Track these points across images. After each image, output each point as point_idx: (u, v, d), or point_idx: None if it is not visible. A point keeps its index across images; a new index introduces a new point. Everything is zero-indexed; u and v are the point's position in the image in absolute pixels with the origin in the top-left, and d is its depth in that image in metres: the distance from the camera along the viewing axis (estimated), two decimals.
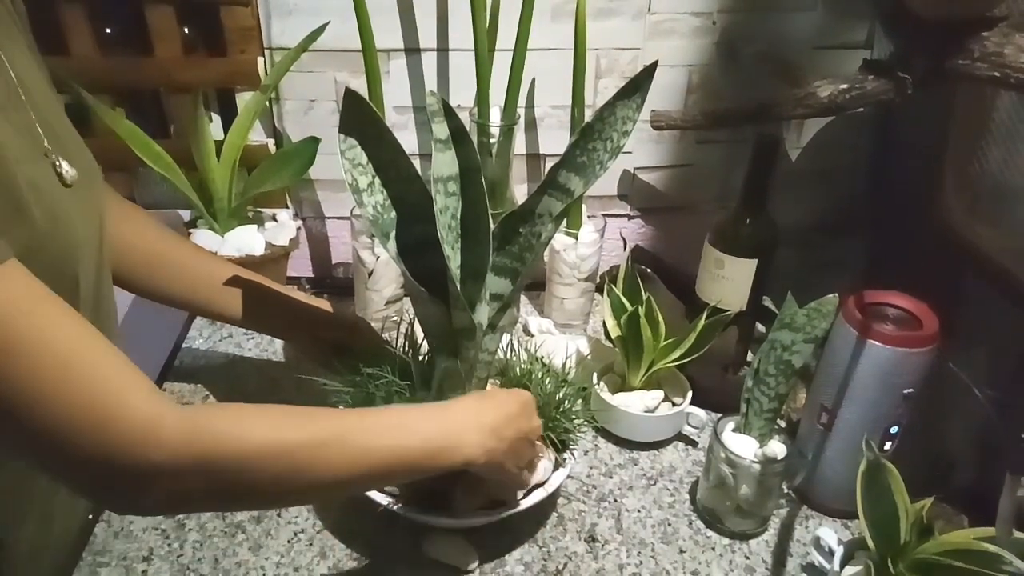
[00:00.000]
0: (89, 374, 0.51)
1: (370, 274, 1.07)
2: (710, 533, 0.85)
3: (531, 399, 0.75)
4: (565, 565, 0.80)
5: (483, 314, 0.76)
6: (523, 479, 0.77)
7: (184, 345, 1.09)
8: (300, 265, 1.24)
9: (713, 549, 0.83)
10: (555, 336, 1.11)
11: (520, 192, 1.20)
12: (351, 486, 0.70)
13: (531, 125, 1.16)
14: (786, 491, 0.89)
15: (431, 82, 1.11)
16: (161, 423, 0.53)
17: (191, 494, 0.56)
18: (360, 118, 0.72)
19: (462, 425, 0.68)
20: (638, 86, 0.73)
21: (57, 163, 0.63)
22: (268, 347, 1.09)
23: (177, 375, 1.03)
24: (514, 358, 0.85)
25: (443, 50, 1.09)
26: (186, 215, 1.16)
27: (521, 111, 1.10)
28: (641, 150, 1.19)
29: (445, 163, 0.73)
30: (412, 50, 1.09)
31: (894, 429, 0.81)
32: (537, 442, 0.77)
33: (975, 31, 0.80)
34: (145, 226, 0.87)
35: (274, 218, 1.16)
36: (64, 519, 0.78)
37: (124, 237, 0.82)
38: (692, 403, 0.95)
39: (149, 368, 1.04)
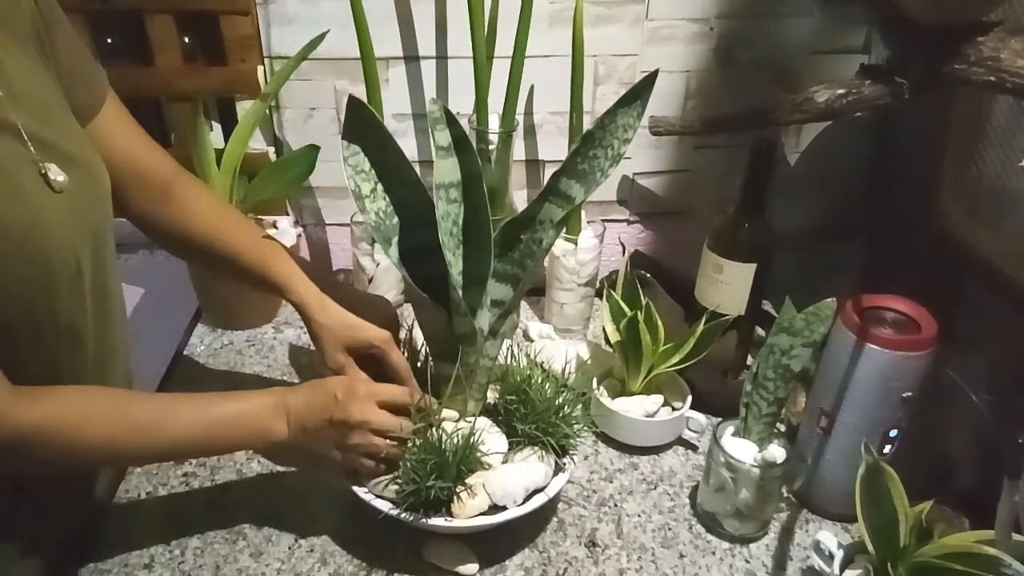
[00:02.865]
0: None
1: (370, 280, 1.07)
2: (710, 537, 0.85)
3: (352, 388, 0.75)
4: (565, 570, 0.80)
5: (484, 320, 0.77)
6: (357, 466, 0.76)
7: (185, 352, 1.09)
8: None
9: (713, 553, 0.83)
10: (555, 341, 1.11)
11: (519, 198, 1.21)
12: (172, 460, 0.89)
13: (530, 132, 1.17)
14: (786, 495, 0.89)
15: (430, 89, 1.12)
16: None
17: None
18: (363, 125, 0.73)
19: (267, 415, 0.74)
20: (638, 94, 0.73)
21: (44, 169, 0.64)
22: (268, 354, 1.10)
23: (179, 380, 1.04)
24: (514, 363, 0.85)
25: (442, 57, 1.10)
26: None
27: (520, 118, 1.11)
28: (640, 155, 1.20)
29: (447, 170, 0.73)
30: (411, 58, 1.10)
31: (893, 433, 0.81)
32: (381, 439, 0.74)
33: (971, 36, 0.80)
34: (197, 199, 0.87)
35: (275, 225, 1.16)
36: (63, 525, 0.79)
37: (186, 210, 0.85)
38: (692, 407, 0.95)
39: (151, 375, 1.05)
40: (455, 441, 0.75)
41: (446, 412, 0.80)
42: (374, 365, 0.83)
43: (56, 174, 0.65)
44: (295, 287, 0.85)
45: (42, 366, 0.67)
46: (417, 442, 0.75)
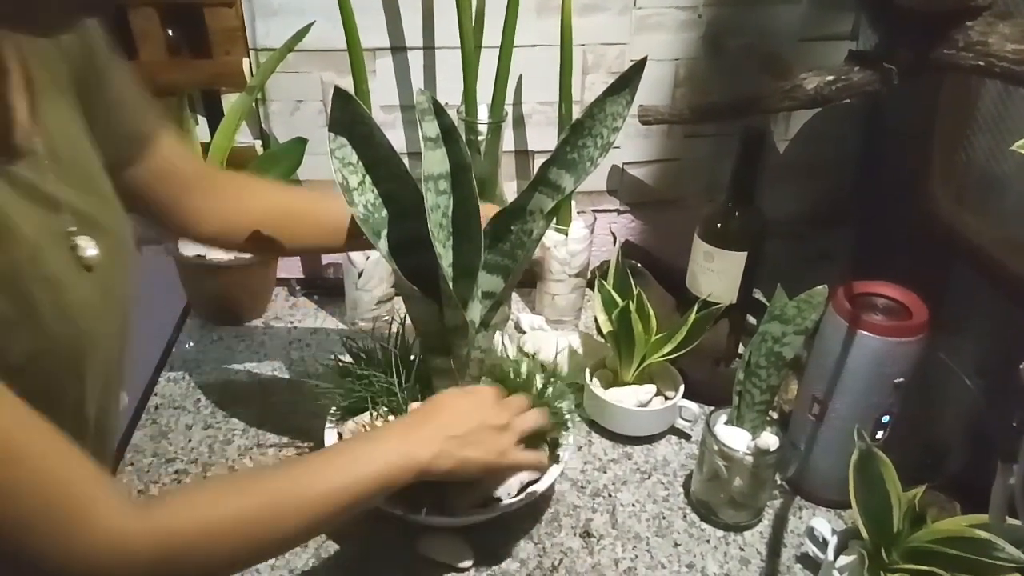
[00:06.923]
0: (60, 491, 0.50)
1: (360, 274, 1.07)
2: (704, 526, 0.85)
3: (490, 392, 0.76)
4: (560, 561, 0.80)
5: (475, 312, 0.76)
6: (508, 462, 0.74)
7: (175, 349, 1.09)
8: (290, 266, 1.24)
9: (708, 542, 0.83)
10: (547, 332, 1.11)
11: (509, 189, 1.20)
12: (317, 531, 0.75)
13: (519, 122, 1.16)
14: (779, 482, 0.89)
15: (418, 80, 1.11)
16: (125, 543, 0.52)
17: None
18: (350, 116, 0.72)
19: (410, 438, 0.68)
20: (627, 82, 0.73)
21: (77, 245, 0.59)
22: (259, 349, 1.09)
23: (169, 378, 1.03)
24: (506, 355, 0.85)
25: (429, 48, 1.09)
26: None
27: (509, 108, 1.10)
28: (629, 145, 1.19)
29: (436, 161, 0.73)
30: (398, 48, 1.09)
31: (885, 419, 0.82)
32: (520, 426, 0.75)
33: (959, 21, 0.80)
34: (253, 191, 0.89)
35: None
36: None
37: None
38: (684, 397, 0.96)
39: (141, 373, 1.04)
40: None
41: None
42: None
43: (88, 248, 0.59)
44: None
45: None
46: None
